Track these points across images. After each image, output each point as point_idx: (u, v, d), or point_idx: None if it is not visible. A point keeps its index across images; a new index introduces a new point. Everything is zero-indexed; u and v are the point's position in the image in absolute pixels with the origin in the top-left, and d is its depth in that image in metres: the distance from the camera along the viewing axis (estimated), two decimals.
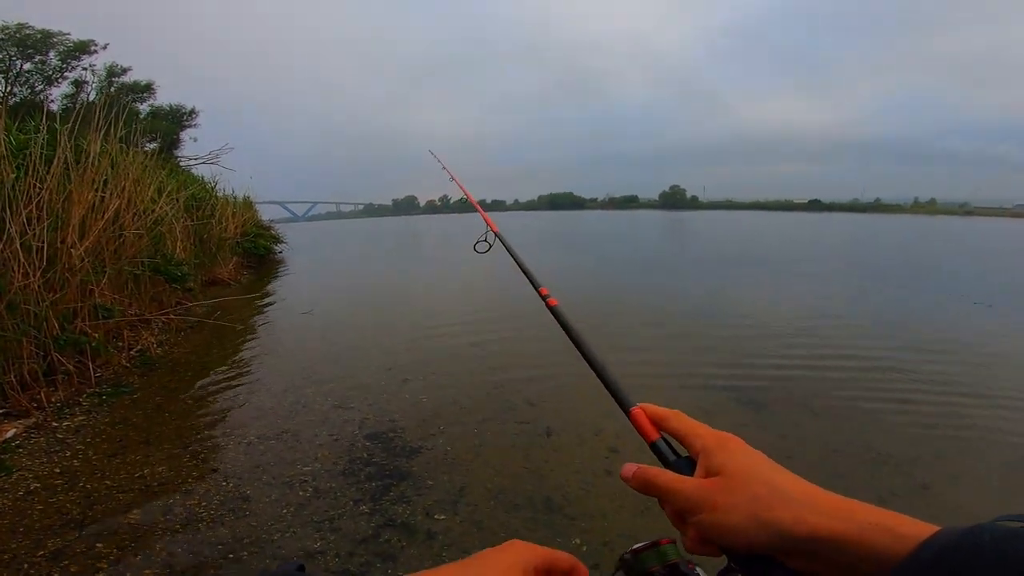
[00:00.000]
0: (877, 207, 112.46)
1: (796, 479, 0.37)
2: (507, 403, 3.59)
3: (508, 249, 1.07)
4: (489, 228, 1.31)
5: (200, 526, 2.28)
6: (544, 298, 0.77)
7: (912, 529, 0.31)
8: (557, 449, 2.94)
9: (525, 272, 0.90)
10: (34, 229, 3.89)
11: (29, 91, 15.54)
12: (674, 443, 0.44)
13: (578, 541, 2.16)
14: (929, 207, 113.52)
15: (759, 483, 0.37)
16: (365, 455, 2.90)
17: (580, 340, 0.60)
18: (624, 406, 0.48)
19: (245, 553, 2.09)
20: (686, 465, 0.42)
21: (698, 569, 0.42)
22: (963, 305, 7.05)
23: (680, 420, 0.44)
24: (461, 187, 1.93)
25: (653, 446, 0.44)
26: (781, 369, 4.29)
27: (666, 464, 0.43)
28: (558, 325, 0.66)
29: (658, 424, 0.45)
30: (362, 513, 2.35)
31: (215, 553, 2.10)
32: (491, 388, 3.89)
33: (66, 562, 2.06)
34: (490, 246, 1.30)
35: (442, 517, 2.32)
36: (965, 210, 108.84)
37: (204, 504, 2.45)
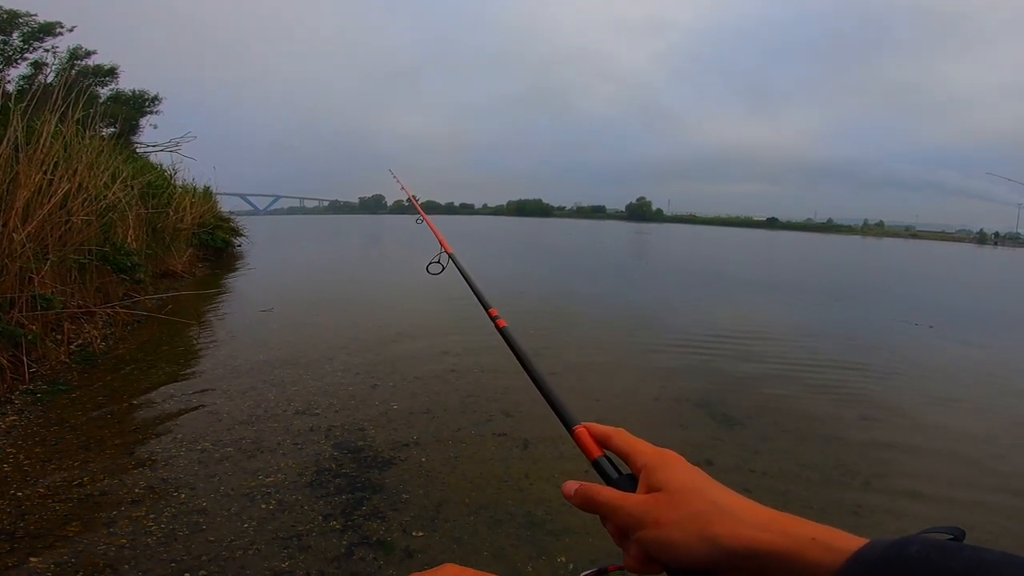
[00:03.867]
0: (830, 227, 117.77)
1: (735, 495, 0.38)
2: (483, 413, 3.48)
3: (461, 271, 1.08)
4: (443, 249, 1.31)
5: (149, 541, 2.07)
6: (494, 319, 0.78)
7: (844, 542, 0.31)
8: (536, 461, 2.85)
9: (476, 293, 0.92)
10: None
11: None
12: (617, 461, 0.44)
13: (563, 559, 2.07)
14: (878, 229, 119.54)
15: (701, 499, 0.37)
16: (334, 466, 2.73)
17: (526, 360, 0.63)
18: (568, 425, 0.49)
19: (203, 572, 1.90)
20: (628, 482, 0.42)
21: None
22: (914, 328, 7.36)
23: (622, 438, 0.44)
24: (420, 210, 1.93)
25: (595, 464, 0.45)
26: (751, 385, 4.34)
27: (608, 481, 0.43)
28: (516, 343, 0.69)
29: (601, 442, 0.46)
30: (333, 529, 2.19)
31: (168, 571, 1.90)
32: (465, 396, 3.77)
33: None
34: (443, 268, 1.30)
35: (420, 534, 2.18)
36: (910, 233, 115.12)
37: (153, 517, 2.23)
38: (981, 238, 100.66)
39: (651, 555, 0.38)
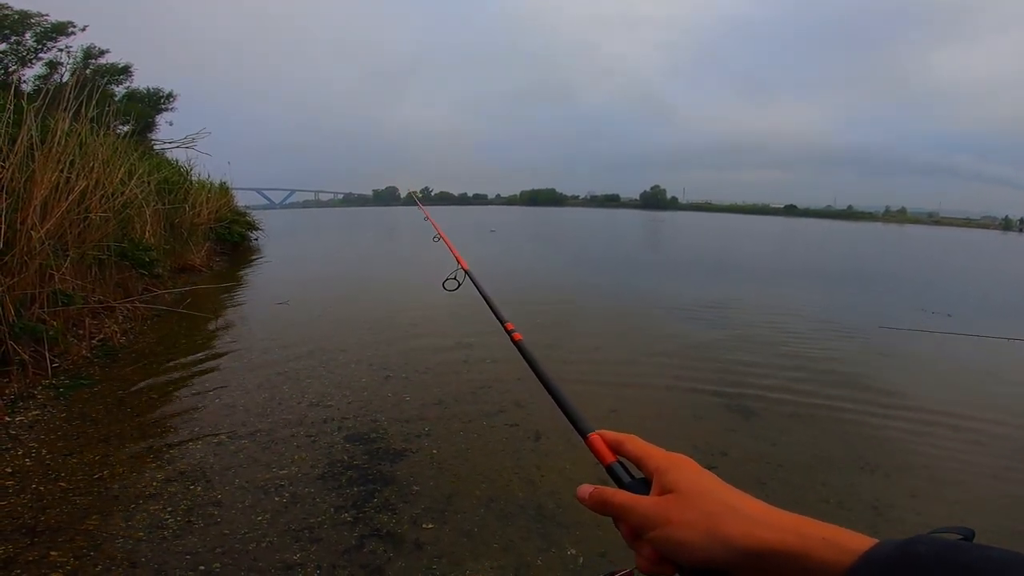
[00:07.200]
0: (850, 214, 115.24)
1: (746, 496, 0.39)
2: (494, 404, 3.48)
3: (477, 287, 1.10)
4: (459, 266, 1.33)
5: (166, 534, 2.11)
6: (509, 333, 0.80)
7: (855, 542, 0.32)
8: (547, 453, 2.84)
9: (492, 309, 0.94)
10: None
11: (2, 72, 14.87)
12: (629, 466, 0.46)
13: (573, 552, 2.06)
14: (900, 216, 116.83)
15: (712, 500, 0.38)
16: (346, 458, 2.75)
17: (541, 371, 0.65)
18: (582, 432, 0.51)
19: (217, 564, 1.93)
20: (641, 485, 0.43)
21: None
22: (932, 316, 7.18)
23: (634, 443, 0.46)
24: (435, 226, 1.98)
25: (609, 469, 0.46)
26: (766, 376, 4.27)
27: (621, 485, 0.45)
28: (532, 352, 0.71)
29: (614, 448, 0.47)
30: (344, 521, 2.21)
31: (183, 564, 1.93)
32: (477, 388, 3.77)
33: (17, 571, 1.87)
34: (459, 284, 1.31)
35: (430, 526, 2.19)
36: (934, 219, 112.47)
37: (170, 509, 2.27)
38: (1006, 224, 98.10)
39: (663, 555, 0.39)
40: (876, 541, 0.31)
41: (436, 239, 1.91)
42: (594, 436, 0.49)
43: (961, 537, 0.31)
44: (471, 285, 1.20)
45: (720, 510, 0.37)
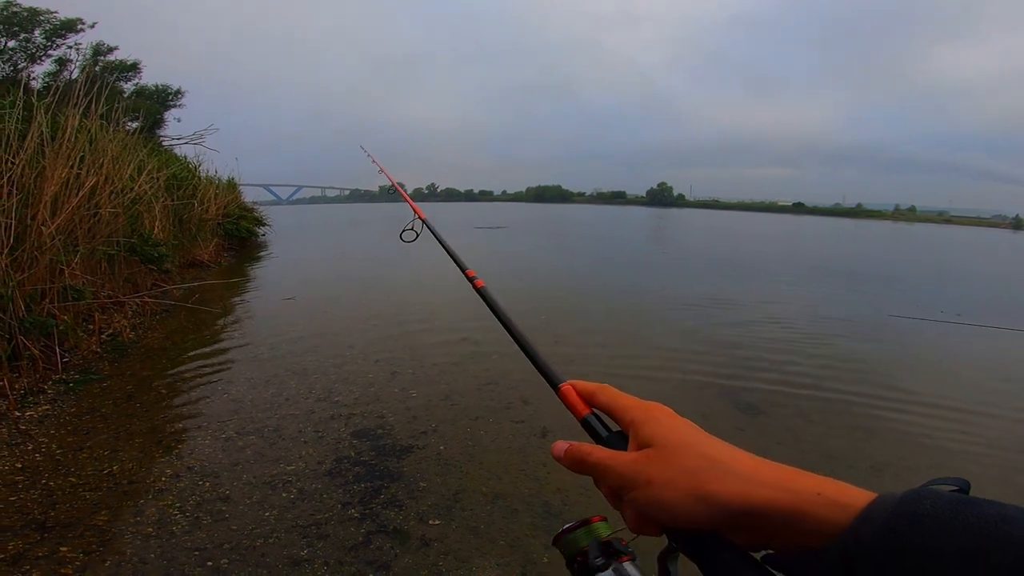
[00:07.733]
0: (860, 212, 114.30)
1: (730, 448, 0.36)
2: (501, 400, 3.47)
3: (435, 235, 1.08)
4: (416, 216, 1.29)
5: (174, 529, 2.12)
6: (471, 280, 0.78)
7: (851, 497, 0.30)
8: None
9: (452, 256, 0.92)
10: (3, 205, 3.63)
11: (12, 69, 14.98)
12: (606, 419, 0.43)
13: None
14: (910, 215, 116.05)
15: (693, 455, 0.35)
16: (353, 454, 2.76)
17: (507, 320, 0.62)
18: (553, 383, 0.48)
19: (225, 560, 1.93)
20: (618, 440, 0.41)
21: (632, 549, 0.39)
22: (940, 317, 7.11)
23: (607, 394, 0.43)
24: (392, 180, 1.99)
25: (584, 422, 0.44)
26: (775, 374, 4.23)
27: (598, 440, 0.42)
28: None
29: (587, 399, 0.44)
30: (351, 518, 2.21)
31: (191, 560, 1.94)
32: (484, 384, 3.77)
33: (27, 567, 1.89)
34: (417, 235, 1.27)
35: (437, 523, 2.19)
36: (944, 218, 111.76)
37: (179, 505, 2.28)
38: (1016, 223, 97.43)
39: (646, 516, 0.36)
40: (874, 496, 0.29)
41: (391, 190, 1.97)
42: (566, 387, 0.46)
43: (956, 489, 0.29)
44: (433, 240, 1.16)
45: (703, 466, 0.34)
